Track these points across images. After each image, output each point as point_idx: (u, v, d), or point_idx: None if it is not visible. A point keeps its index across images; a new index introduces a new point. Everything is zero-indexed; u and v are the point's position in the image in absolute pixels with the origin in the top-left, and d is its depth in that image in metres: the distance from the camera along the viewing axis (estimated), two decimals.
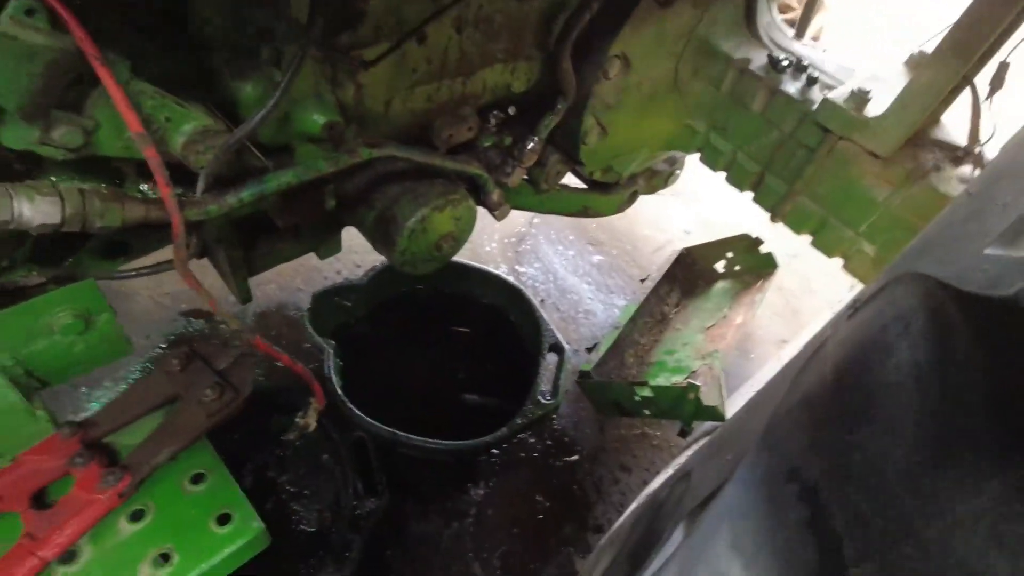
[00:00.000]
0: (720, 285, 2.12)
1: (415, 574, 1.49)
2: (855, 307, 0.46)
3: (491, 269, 1.96)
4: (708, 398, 1.53)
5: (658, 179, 1.69)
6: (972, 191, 0.42)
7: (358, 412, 1.50)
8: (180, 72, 0.79)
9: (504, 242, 2.35)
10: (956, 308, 0.32)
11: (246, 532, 0.69)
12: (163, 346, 1.81)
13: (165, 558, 0.65)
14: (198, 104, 0.77)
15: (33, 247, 0.74)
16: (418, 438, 1.50)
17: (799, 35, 1.42)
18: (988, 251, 0.30)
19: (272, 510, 1.48)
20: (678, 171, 1.74)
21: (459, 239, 1.17)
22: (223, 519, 0.69)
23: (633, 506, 0.79)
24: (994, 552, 0.26)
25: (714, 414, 1.51)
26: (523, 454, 1.76)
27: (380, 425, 1.50)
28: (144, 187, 0.81)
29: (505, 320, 1.97)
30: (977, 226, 0.37)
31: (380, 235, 1.10)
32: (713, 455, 0.54)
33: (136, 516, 0.68)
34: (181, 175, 0.79)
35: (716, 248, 2.10)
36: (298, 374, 0.93)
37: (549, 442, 1.80)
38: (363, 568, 1.41)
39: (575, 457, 1.79)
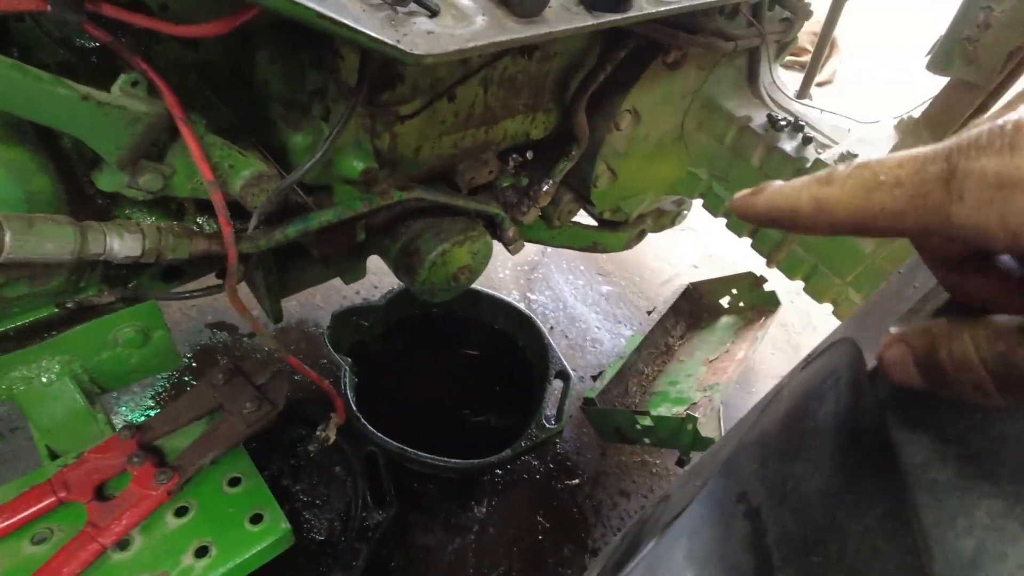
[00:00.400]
0: (724, 320, 2.20)
1: None
2: (808, 360, 0.55)
3: (502, 296, 2.05)
4: (706, 429, 1.60)
5: (666, 218, 1.78)
6: (902, 270, 0.51)
7: (370, 427, 1.59)
8: (241, 122, 0.90)
9: (517, 270, 2.45)
10: (865, 372, 0.41)
11: (275, 531, 0.78)
12: (188, 355, 1.91)
13: (204, 550, 0.74)
14: (254, 151, 0.88)
15: (104, 270, 0.85)
16: (425, 455, 1.58)
17: (805, 85, 1.52)
18: (892, 328, 0.39)
19: (287, 516, 1.56)
20: (685, 211, 1.83)
21: (475, 271, 1.27)
22: (256, 519, 0.78)
23: (625, 528, 0.87)
24: (876, 563, 0.35)
25: (711, 445, 1.57)
26: (526, 475, 1.84)
27: (390, 440, 1.58)
28: (200, 220, 0.91)
29: (514, 345, 2.06)
30: (895, 303, 0.46)
31: (403, 265, 1.20)
32: (688, 479, 0.63)
33: (181, 512, 0.77)
34: (233, 211, 0.90)
35: (721, 284, 2.18)
36: (324, 391, 1.03)
37: (552, 465, 1.88)
38: (367, 574, 1.49)
39: (576, 480, 1.86)
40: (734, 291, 2.17)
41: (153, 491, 0.76)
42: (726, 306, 2.21)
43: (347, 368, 1.72)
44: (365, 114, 0.92)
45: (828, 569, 0.37)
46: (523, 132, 1.23)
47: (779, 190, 0.33)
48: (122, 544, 0.74)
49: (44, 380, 0.82)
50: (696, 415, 1.60)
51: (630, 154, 1.34)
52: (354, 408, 1.65)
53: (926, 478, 0.32)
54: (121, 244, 0.71)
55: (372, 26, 0.60)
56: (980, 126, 0.27)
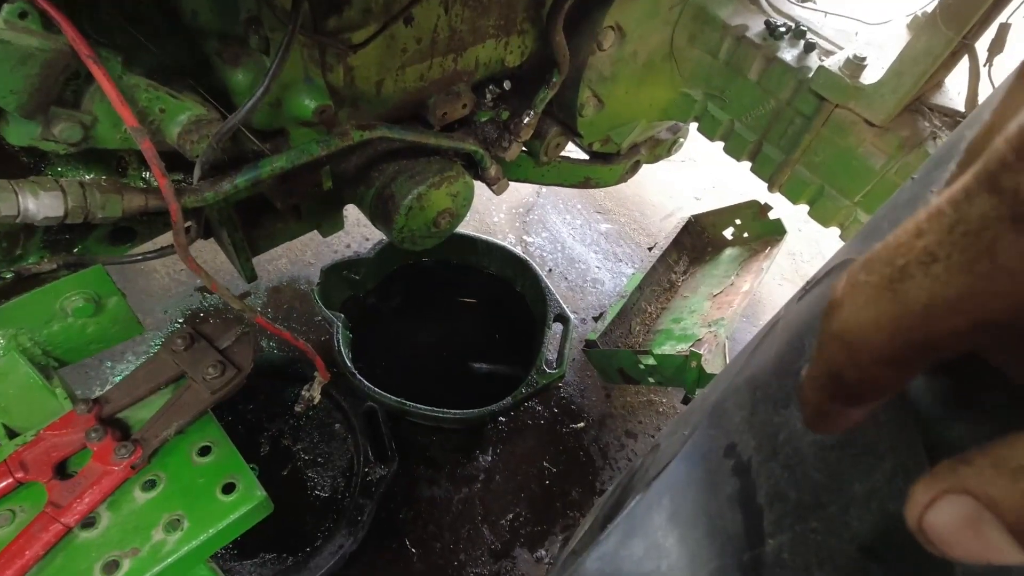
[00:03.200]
0: (728, 252, 2.12)
1: (427, 537, 1.56)
2: (806, 289, 0.48)
3: (496, 240, 1.98)
4: (711, 366, 1.55)
5: (661, 148, 1.68)
6: (916, 176, 0.43)
7: (367, 383, 1.56)
8: (172, 61, 0.81)
9: (512, 212, 2.36)
10: None
11: (250, 499, 0.74)
12: (180, 321, 1.88)
13: (176, 524, 0.71)
14: (191, 93, 0.79)
15: (44, 236, 0.79)
16: (425, 407, 1.55)
17: None
18: None
19: (288, 477, 1.56)
20: (682, 139, 1.72)
21: (457, 215, 1.19)
22: (228, 488, 0.74)
23: (620, 477, 0.83)
24: (880, 529, 0.29)
25: None
26: (530, 421, 1.81)
27: (388, 395, 1.55)
28: (146, 175, 0.84)
29: (511, 290, 2.00)
30: (910, 212, 0.39)
31: (379, 213, 1.13)
32: (677, 427, 0.57)
33: (149, 485, 0.73)
34: (179, 162, 0.83)
35: (724, 215, 2.09)
36: (300, 349, 0.98)
37: (556, 410, 1.85)
38: (376, 531, 1.48)
39: (581, 424, 1.84)
40: (738, 221, 2.08)
41: (116, 466, 0.71)
42: (730, 238, 2.13)
43: (340, 324, 1.68)
44: (312, 45, 0.82)
45: (827, 536, 0.31)
46: (497, 59, 1.13)
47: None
48: (88, 522, 0.70)
49: None
50: (700, 352, 1.54)
51: (617, 77, 1.24)
52: (349, 364, 1.62)
53: (949, 435, 0.25)
54: (38, 204, 0.64)
55: None
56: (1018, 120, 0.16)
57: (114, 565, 0.68)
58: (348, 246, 2.13)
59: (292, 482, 1.55)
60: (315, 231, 1.27)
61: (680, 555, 0.39)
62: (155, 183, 0.82)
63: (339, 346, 1.64)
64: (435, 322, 1.96)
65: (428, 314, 1.97)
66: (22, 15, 0.57)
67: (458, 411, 1.55)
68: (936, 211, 0.17)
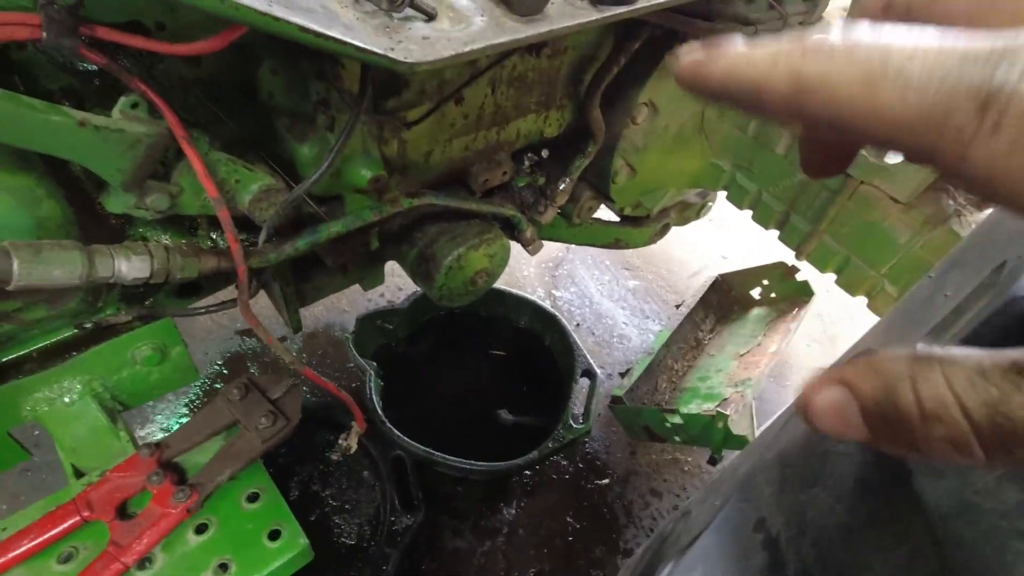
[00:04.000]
0: (756, 312, 2.13)
1: None
2: None
3: (526, 294, 2.03)
4: (737, 427, 1.56)
5: (690, 211, 1.73)
6: (932, 274, 0.47)
7: (396, 431, 1.59)
8: (246, 134, 0.90)
9: (541, 267, 2.42)
10: None
11: (294, 547, 0.77)
12: (219, 363, 1.95)
13: (224, 568, 0.74)
14: (261, 164, 0.87)
15: (121, 289, 0.86)
16: (453, 458, 1.57)
17: None
18: (918, 345, 0.35)
19: (315, 522, 1.58)
20: (711, 203, 1.78)
21: (493, 274, 1.25)
22: (274, 535, 0.78)
23: (648, 541, 0.85)
24: None
25: (743, 443, 1.53)
26: (555, 476, 1.82)
27: (417, 445, 1.58)
28: (214, 235, 0.91)
29: (540, 343, 2.04)
30: (926, 312, 0.43)
31: (419, 271, 1.19)
32: (707, 496, 0.60)
33: (201, 529, 0.78)
34: (243, 224, 0.90)
35: (752, 275, 2.12)
36: (342, 400, 1.02)
37: (581, 465, 1.85)
38: None
39: (606, 480, 1.84)
40: (765, 282, 2.10)
41: (173, 509, 0.76)
42: (757, 298, 2.15)
43: (372, 372, 1.73)
44: (371, 122, 0.90)
45: None
46: (537, 131, 1.20)
47: (746, 55, 0.23)
48: (144, 562, 0.74)
49: (67, 400, 0.84)
50: (727, 412, 1.55)
51: (649, 148, 1.30)
52: (380, 413, 1.66)
53: (954, 531, 0.28)
54: (129, 266, 0.71)
55: (363, 35, 0.59)
56: None
57: None
58: (382, 295, 2.20)
59: (319, 528, 1.57)
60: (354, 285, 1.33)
61: None
62: (224, 244, 0.90)
63: (371, 393, 1.68)
64: (464, 372, 2.00)
65: (457, 364, 2.01)
66: (134, 105, 0.65)
67: (485, 464, 1.57)
68: (945, 52, 0.20)
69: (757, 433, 1.53)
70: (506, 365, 2.08)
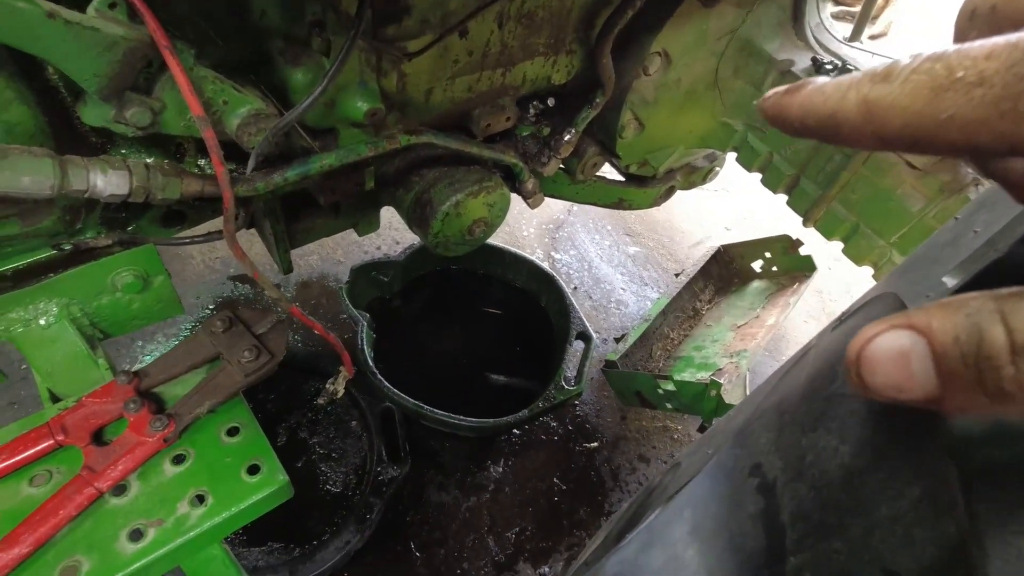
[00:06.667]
0: (755, 284, 2.11)
1: (431, 542, 1.57)
2: (841, 320, 0.49)
3: (525, 254, 2.00)
4: (730, 396, 1.54)
5: (696, 175, 1.69)
6: (959, 216, 0.44)
7: (386, 383, 1.58)
8: (237, 57, 0.85)
9: (542, 228, 2.39)
10: None
11: (272, 483, 0.76)
12: (211, 307, 1.92)
13: (200, 499, 0.73)
14: (252, 88, 0.83)
15: (102, 213, 0.82)
16: (442, 412, 1.57)
17: (857, 32, 1.39)
18: (944, 278, 0.32)
19: (302, 469, 1.58)
20: (718, 168, 1.73)
21: (491, 224, 1.21)
22: (253, 469, 0.76)
23: (635, 495, 0.83)
24: (905, 553, 0.29)
25: None
26: (544, 436, 1.82)
27: (406, 397, 1.57)
28: (201, 163, 0.88)
29: (536, 304, 2.02)
30: (951, 251, 0.39)
31: (416, 217, 1.16)
32: (699, 447, 0.57)
33: (178, 460, 0.76)
34: (234, 153, 0.86)
35: (754, 247, 2.09)
36: (330, 343, 1.00)
37: (570, 427, 1.85)
38: (382, 530, 1.50)
39: (595, 444, 1.83)
40: (767, 255, 2.07)
41: (149, 438, 0.74)
42: (758, 270, 2.12)
43: (364, 323, 1.71)
44: (369, 50, 0.86)
45: (850, 557, 0.32)
46: (544, 76, 1.15)
47: (820, 89, 0.25)
48: (119, 489, 0.73)
49: (42, 323, 0.81)
50: (721, 381, 1.54)
51: (659, 102, 1.25)
52: (371, 364, 1.64)
53: (983, 459, 0.25)
54: (105, 181, 0.67)
55: None
56: None
57: (139, 533, 0.70)
58: (378, 248, 2.17)
59: (305, 475, 1.57)
60: (350, 230, 1.30)
61: (699, 568, 0.40)
62: (211, 171, 0.86)
63: (362, 344, 1.66)
64: (457, 330, 1.99)
65: (451, 321, 1.99)
66: (111, 5, 0.61)
67: (474, 420, 1.56)
68: (1013, 45, 0.19)
69: None
70: (500, 324, 2.07)
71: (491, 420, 1.59)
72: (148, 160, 0.79)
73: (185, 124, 0.75)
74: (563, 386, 1.70)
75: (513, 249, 1.98)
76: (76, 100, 0.71)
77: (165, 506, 0.72)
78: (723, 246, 2.12)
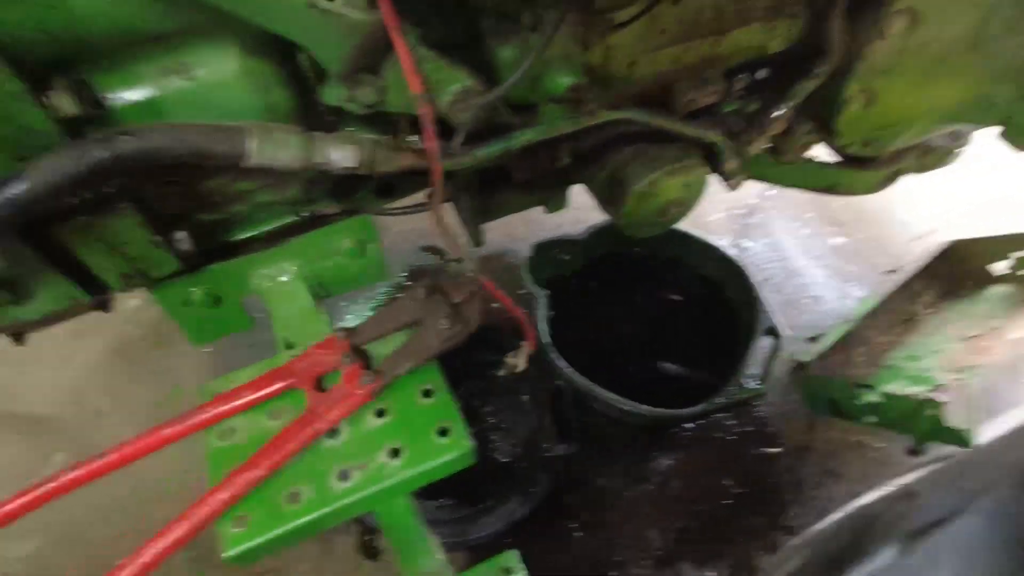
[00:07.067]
0: (995, 290, 1.76)
1: (592, 524, 1.56)
2: None
3: (712, 240, 1.87)
4: (954, 418, 1.32)
5: (932, 157, 1.44)
6: None
7: (562, 360, 1.59)
8: (451, 37, 0.88)
9: (731, 213, 2.22)
10: None
11: (460, 446, 0.80)
12: (403, 274, 2.09)
13: (395, 453, 0.79)
14: (462, 65, 0.86)
15: (330, 185, 0.92)
16: (615, 396, 1.54)
17: None
18: None
19: (473, 435, 1.66)
20: (961, 148, 1.46)
21: (687, 206, 1.15)
22: (442, 432, 0.80)
23: (838, 515, 0.74)
24: None
25: (958, 438, 1.29)
26: (719, 435, 1.71)
27: (581, 377, 1.57)
28: (411, 139, 0.93)
29: (720, 295, 1.89)
30: None
31: (608, 195, 1.13)
32: (950, 481, 0.48)
33: (380, 413, 0.83)
34: (438, 129, 0.90)
35: (998, 245, 1.74)
36: (516, 318, 1.02)
37: (749, 428, 1.72)
38: (545, 505, 1.52)
39: (776, 450, 1.69)
40: (1016, 255, 1.71)
41: (359, 390, 0.82)
42: (1001, 273, 1.76)
43: (543, 300, 1.73)
44: (577, 22, 0.84)
45: None
46: (758, 45, 1.04)
47: None
48: (332, 433, 0.81)
49: (283, 279, 0.93)
50: (942, 400, 1.32)
51: (898, 71, 1.07)
52: (548, 340, 1.66)
53: None
54: (341, 155, 0.75)
55: None
56: None
57: (345, 474, 0.78)
58: (559, 226, 2.18)
59: (476, 442, 1.65)
60: (534, 209, 1.31)
61: None
62: (419, 147, 0.91)
63: (539, 321, 1.69)
64: (634, 314, 1.94)
65: (628, 304, 1.95)
66: None
67: (648, 408, 1.51)
68: None
69: (984, 431, 1.29)
70: (679, 312, 1.97)
71: (666, 410, 1.52)
72: (374, 136, 0.86)
73: (404, 102, 0.80)
74: (745, 384, 1.58)
75: (701, 235, 1.87)
76: (318, 82, 0.79)
77: (367, 454, 0.79)
78: (955, 242, 1.80)
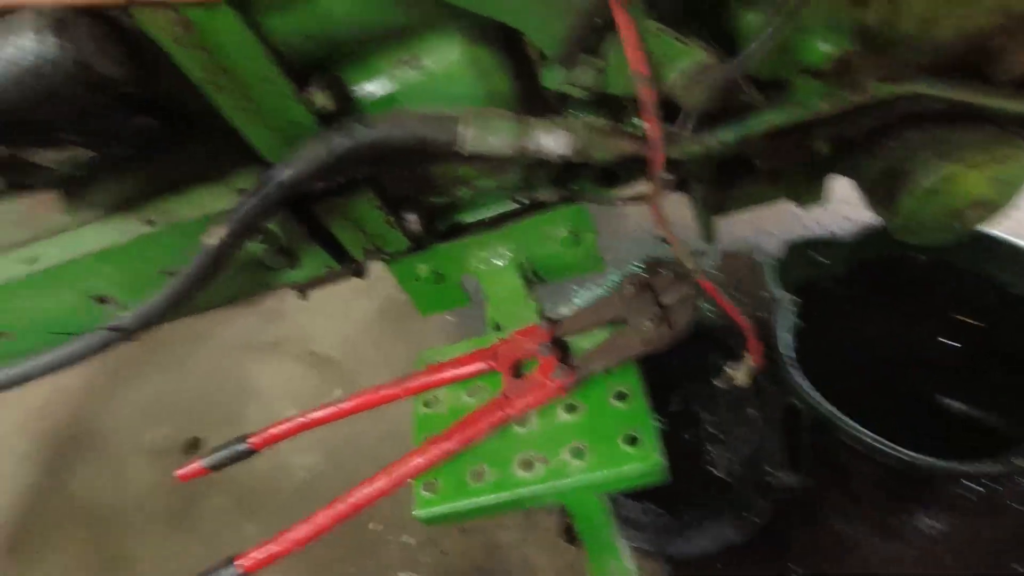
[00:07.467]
0: None
1: (822, 572, 1.34)
2: None
3: None
4: None
5: None
6: None
7: (803, 380, 1.37)
8: (694, 4, 0.78)
9: None
10: None
11: (647, 459, 0.73)
12: (637, 264, 2.02)
13: (579, 452, 0.76)
14: (696, 39, 0.76)
15: (549, 171, 0.91)
16: (868, 433, 1.27)
17: None
18: None
19: (689, 441, 1.54)
20: None
21: (994, 208, 0.87)
22: (631, 440, 0.74)
23: None
24: None
25: None
26: (1013, 503, 1.31)
27: (823, 401, 1.33)
28: (637, 122, 0.86)
29: None
30: None
31: (880, 191, 0.92)
32: None
33: (570, 409, 0.80)
34: (668, 112, 0.82)
35: None
36: (739, 324, 0.90)
37: None
38: (765, 536, 1.35)
39: None
40: None
41: (551, 382, 0.80)
42: None
43: (789, 306, 1.51)
44: None
45: None
46: None
47: None
48: (522, 420, 0.82)
49: (498, 263, 0.97)
50: None
51: None
52: (792, 353, 1.45)
53: None
54: (552, 141, 0.72)
55: None
56: None
57: (528, 464, 0.77)
58: (819, 222, 1.88)
59: (689, 447, 1.53)
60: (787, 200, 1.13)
61: None
62: (641, 132, 0.84)
63: (782, 329, 1.48)
64: (909, 334, 1.58)
65: (903, 322, 1.60)
66: None
67: (918, 456, 1.21)
68: None
69: None
70: (974, 338, 1.55)
71: (941, 462, 1.21)
72: (586, 120, 0.82)
73: (625, 83, 0.74)
74: None
75: (1015, 240, 1.43)
76: (541, 67, 0.78)
77: (551, 447, 0.77)
78: None
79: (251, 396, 2.27)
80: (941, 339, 1.57)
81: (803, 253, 1.62)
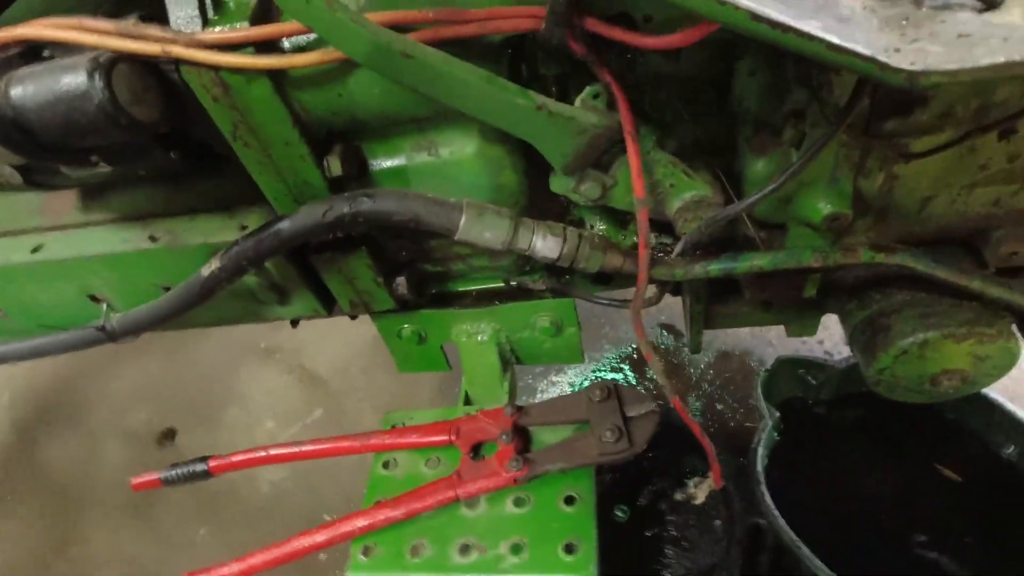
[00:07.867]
0: None
1: None
2: None
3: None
4: None
5: None
6: None
7: (770, 504, 1.35)
8: (705, 139, 0.82)
9: None
10: None
11: (581, 570, 0.73)
12: (633, 347, 2.03)
13: (518, 549, 0.76)
14: (706, 172, 0.79)
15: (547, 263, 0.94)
16: (827, 571, 1.24)
17: None
18: None
19: (648, 539, 1.51)
20: None
21: (972, 383, 0.88)
22: (569, 548, 0.75)
23: None
24: None
25: None
26: None
27: (786, 528, 1.31)
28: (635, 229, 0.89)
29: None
30: None
31: (861, 339, 0.93)
32: None
33: (519, 502, 0.81)
34: (672, 230, 0.85)
35: None
36: (704, 449, 0.90)
37: None
38: None
39: None
40: None
41: (505, 472, 0.81)
42: None
43: (769, 422, 1.50)
44: (853, 145, 0.70)
45: None
46: None
47: None
48: (471, 502, 0.82)
49: (479, 338, 0.98)
50: None
51: None
52: (760, 471, 1.43)
53: None
54: (543, 244, 0.75)
55: (855, 30, 0.42)
56: None
57: (467, 549, 0.78)
58: (820, 342, 1.89)
59: (648, 547, 1.50)
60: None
61: None
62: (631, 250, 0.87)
63: (758, 445, 1.47)
64: (892, 475, 1.56)
65: (886, 461, 1.57)
66: (595, 95, 0.66)
67: None
68: None
69: None
70: (958, 493, 1.52)
71: None
72: (601, 228, 0.86)
73: (630, 201, 0.77)
74: None
75: (1008, 405, 1.42)
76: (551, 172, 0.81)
77: (493, 538, 0.78)
78: None
79: (234, 400, 2.29)
80: (918, 485, 1.54)
81: (793, 370, 1.61)
